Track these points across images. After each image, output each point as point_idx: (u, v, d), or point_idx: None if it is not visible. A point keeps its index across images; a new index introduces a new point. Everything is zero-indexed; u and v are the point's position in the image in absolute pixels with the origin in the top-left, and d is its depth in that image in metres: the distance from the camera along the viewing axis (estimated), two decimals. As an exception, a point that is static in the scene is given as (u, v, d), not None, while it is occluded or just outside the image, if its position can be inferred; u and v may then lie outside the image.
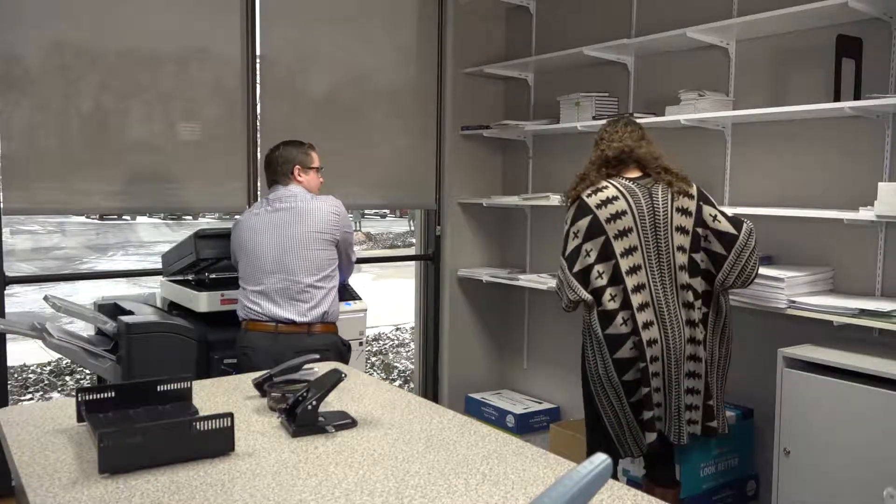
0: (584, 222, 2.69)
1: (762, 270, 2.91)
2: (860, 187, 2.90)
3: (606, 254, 2.68)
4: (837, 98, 2.81)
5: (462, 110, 4.45)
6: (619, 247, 2.67)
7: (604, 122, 2.99)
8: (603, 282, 2.67)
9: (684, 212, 2.70)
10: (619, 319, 2.64)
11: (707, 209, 2.72)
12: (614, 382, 2.68)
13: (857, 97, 2.80)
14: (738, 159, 3.36)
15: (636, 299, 2.66)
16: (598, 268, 2.68)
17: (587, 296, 2.68)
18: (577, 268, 2.70)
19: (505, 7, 4.49)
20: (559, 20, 4.23)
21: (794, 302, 2.83)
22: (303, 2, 3.96)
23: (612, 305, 2.66)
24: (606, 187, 2.72)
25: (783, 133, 3.19)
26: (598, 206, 2.69)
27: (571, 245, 2.72)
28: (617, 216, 2.67)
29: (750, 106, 3.18)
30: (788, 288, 2.84)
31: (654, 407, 2.67)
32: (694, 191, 2.73)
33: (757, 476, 3.32)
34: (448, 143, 4.45)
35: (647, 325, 2.65)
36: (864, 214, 2.66)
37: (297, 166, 3.01)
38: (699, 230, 2.70)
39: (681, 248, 2.69)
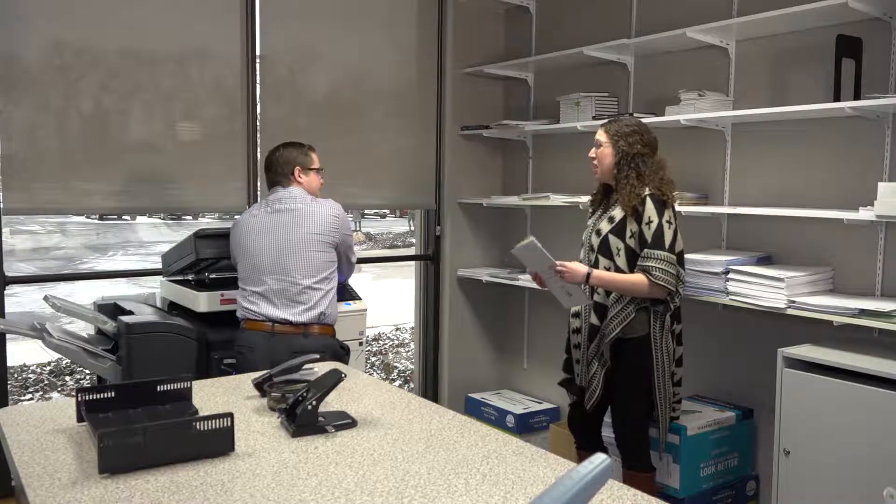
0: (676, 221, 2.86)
1: (762, 270, 2.94)
2: (860, 187, 2.90)
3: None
4: (837, 98, 2.81)
5: (462, 110, 4.45)
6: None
7: (630, 120, 2.92)
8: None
9: None
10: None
11: None
12: (673, 367, 2.87)
13: (857, 97, 2.80)
14: (738, 159, 3.36)
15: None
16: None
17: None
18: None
19: (505, 7, 4.49)
20: (559, 20, 4.22)
21: (794, 302, 2.83)
22: (302, 2, 3.96)
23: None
24: None
25: (783, 133, 3.19)
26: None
27: (680, 245, 2.81)
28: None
29: (750, 106, 3.18)
30: (788, 288, 2.84)
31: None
32: None
33: (757, 476, 3.32)
34: (448, 143, 4.45)
35: None
36: (864, 214, 2.66)
37: (298, 167, 3.01)
38: None
39: None
